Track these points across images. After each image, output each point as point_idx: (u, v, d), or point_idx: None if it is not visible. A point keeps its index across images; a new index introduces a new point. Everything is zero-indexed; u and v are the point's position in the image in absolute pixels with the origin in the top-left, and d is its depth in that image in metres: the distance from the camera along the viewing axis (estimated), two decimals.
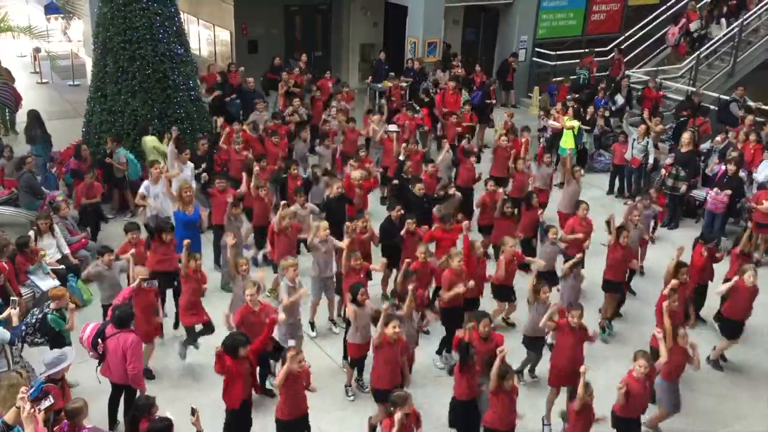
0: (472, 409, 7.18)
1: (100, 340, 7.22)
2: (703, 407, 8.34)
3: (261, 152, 12.20)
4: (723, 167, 12.03)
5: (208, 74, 16.54)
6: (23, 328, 7.79)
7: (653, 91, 16.25)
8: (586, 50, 18.90)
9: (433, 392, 8.25)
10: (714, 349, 9.14)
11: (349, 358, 8.29)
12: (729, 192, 11.63)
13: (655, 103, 16.15)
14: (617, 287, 9.53)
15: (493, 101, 17.09)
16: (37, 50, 20.59)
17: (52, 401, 5.60)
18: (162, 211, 10.53)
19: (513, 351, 8.63)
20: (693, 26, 18.91)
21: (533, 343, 8.35)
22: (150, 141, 12.25)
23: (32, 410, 5.20)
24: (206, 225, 10.99)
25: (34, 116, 13.65)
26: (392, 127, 13.71)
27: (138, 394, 7.03)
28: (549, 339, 8.39)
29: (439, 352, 8.96)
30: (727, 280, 9.03)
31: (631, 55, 19.34)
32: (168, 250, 9.03)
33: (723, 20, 18.80)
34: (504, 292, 9.37)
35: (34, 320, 7.78)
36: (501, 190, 11.20)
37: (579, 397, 6.62)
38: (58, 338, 7.73)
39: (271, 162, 12.01)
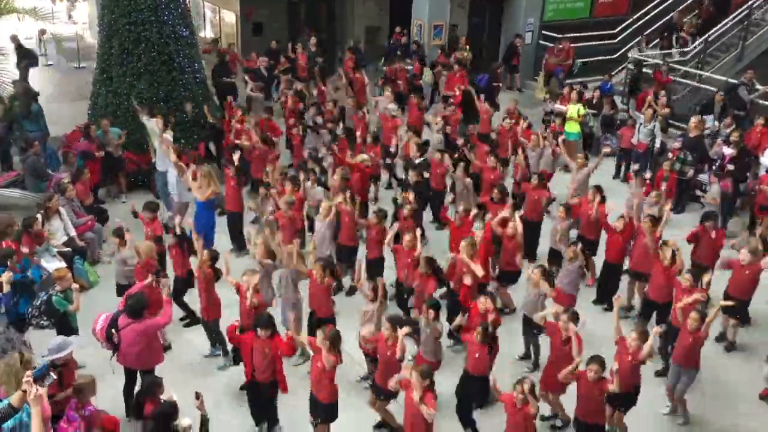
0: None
1: (114, 331, 7.22)
2: (703, 389, 8.38)
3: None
4: (727, 150, 12.02)
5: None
6: (30, 310, 7.83)
7: (664, 75, 16.11)
8: (560, 36, 18.64)
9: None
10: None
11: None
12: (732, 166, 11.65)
13: (663, 86, 16.01)
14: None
15: (500, 84, 17.02)
16: (42, 32, 20.56)
17: (55, 377, 5.64)
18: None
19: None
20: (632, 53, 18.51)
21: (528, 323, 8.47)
22: (150, 123, 12.23)
23: (38, 391, 5.25)
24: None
25: (25, 89, 13.60)
26: (392, 106, 13.69)
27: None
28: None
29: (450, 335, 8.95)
30: None
31: (639, 37, 19.16)
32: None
33: (674, 50, 18.03)
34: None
35: (39, 302, 7.82)
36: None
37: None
38: (64, 321, 7.77)
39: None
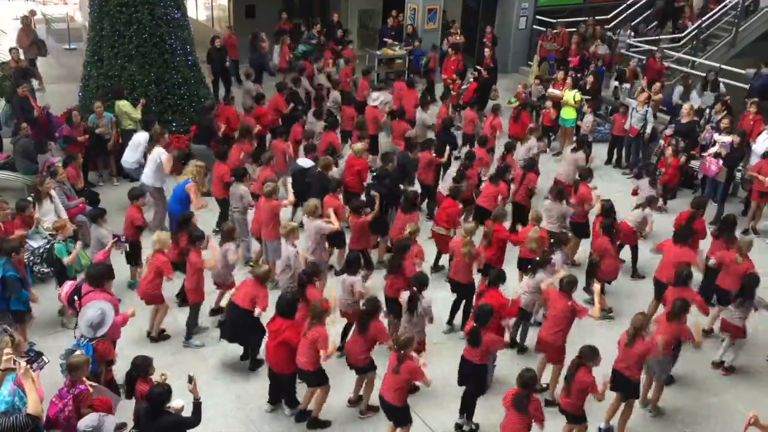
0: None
1: (76, 297, 7.31)
2: (693, 378, 8.46)
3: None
4: (725, 137, 12.04)
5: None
6: (30, 258, 7.90)
7: (658, 62, 16.08)
8: (556, 20, 18.59)
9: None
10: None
11: None
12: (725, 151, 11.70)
13: (657, 74, 15.99)
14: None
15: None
16: (32, 13, 20.35)
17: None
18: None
19: None
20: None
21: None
22: (123, 106, 12.17)
23: (30, 368, 5.28)
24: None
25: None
26: (383, 96, 13.69)
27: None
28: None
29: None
30: None
31: (634, 23, 19.13)
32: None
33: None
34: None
35: (41, 250, 7.99)
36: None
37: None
38: (63, 271, 8.18)
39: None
